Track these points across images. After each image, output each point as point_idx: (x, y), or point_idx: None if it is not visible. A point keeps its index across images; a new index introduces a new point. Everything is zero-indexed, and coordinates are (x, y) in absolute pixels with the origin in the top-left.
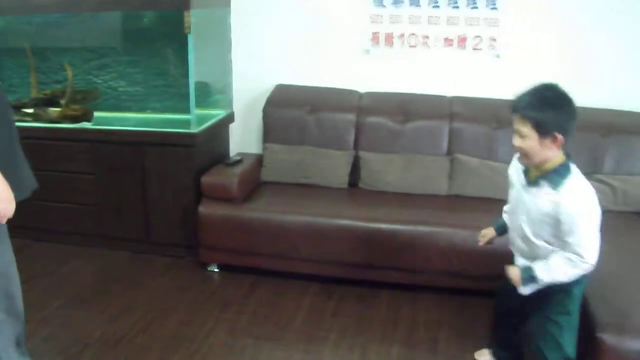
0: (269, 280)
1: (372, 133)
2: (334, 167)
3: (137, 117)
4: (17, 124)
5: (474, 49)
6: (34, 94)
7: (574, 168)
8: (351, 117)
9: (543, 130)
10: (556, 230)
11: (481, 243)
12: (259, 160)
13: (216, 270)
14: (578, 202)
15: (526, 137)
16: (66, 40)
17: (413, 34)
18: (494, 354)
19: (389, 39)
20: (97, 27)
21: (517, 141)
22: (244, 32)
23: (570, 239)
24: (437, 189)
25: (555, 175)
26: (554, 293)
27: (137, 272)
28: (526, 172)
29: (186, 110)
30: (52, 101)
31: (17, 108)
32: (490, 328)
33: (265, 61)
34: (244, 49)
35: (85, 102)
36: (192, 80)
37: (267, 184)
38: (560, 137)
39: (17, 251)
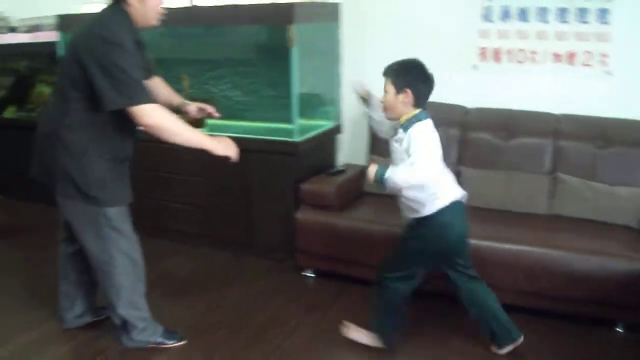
0: (359, 289)
1: (475, 149)
2: None
3: (247, 125)
4: (139, 128)
5: (584, 64)
6: None
7: (426, 119)
8: (455, 132)
9: (398, 86)
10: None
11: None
12: (362, 171)
13: (311, 275)
14: (418, 133)
15: (386, 93)
16: (186, 52)
17: (521, 50)
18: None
19: (497, 54)
20: (215, 40)
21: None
22: (354, 46)
23: (411, 157)
24: (537, 207)
25: (407, 123)
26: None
27: (235, 272)
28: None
29: (291, 120)
30: (170, 109)
31: None
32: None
33: (374, 75)
34: (353, 62)
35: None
36: (294, 92)
37: (368, 194)
38: (410, 92)
39: None
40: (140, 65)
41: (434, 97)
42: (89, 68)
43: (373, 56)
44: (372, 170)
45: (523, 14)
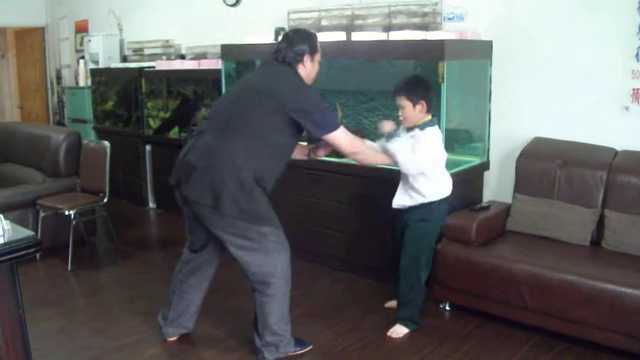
0: (494, 325)
1: (622, 192)
2: (577, 223)
3: None
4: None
5: None
6: None
7: (436, 125)
8: (602, 174)
9: (413, 100)
10: None
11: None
12: (507, 209)
13: (448, 308)
14: (430, 132)
15: (403, 108)
16: (342, 83)
17: None
18: None
19: None
20: (369, 73)
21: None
22: (504, 84)
23: (416, 145)
24: None
25: (424, 125)
26: None
27: (375, 298)
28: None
29: None
30: None
31: None
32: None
33: (524, 113)
34: (503, 99)
35: None
36: (443, 127)
37: (511, 233)
38: (424, 102)
39: None
40: None
41: (584, 137)
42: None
43: (521, 94)
44: (390, 125)
45: None
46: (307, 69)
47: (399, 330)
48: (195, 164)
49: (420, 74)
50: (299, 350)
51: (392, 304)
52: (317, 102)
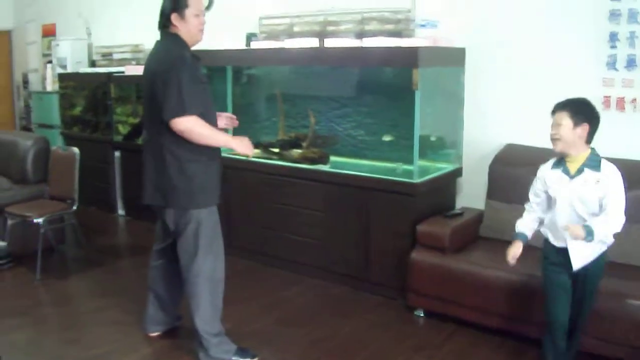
0: (469, 332)
1: None
2: None
3: (368, 164)
4: (265, 161)
5: None
6: (280, 135)
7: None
8: None
9: (576, 120)
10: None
11: (513, 262)
12: (480, 215)
13: (421, 315)
14: (615, 174)
15: (561, 126)
16: (314, 90)
17: None
18: None
19: (621, 103)
20: (342, 80)
21: (553, 129)
22: (477, 90)
23: (611, 206)
24: None
25: (591, 162)
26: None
27: (348, 305)
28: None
29: (412, 161)
30: (295, 143)
31: (266, 147)
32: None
33: (497, 120)
34: (476, 107)
35: (324, 146)
36: (416, 134)
37: (484, 239)
38: (587, 126)
39: (250, 273)
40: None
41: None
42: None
43: (494, 101)
44: (578, 231)
45: None
46: (183, 29)
47: None
48: None
49: (590, 101)
50: None
51: None
52: (177, 77)
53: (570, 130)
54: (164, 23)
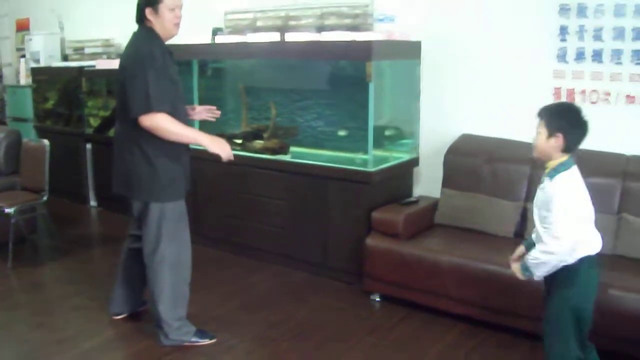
0: (421, 314)
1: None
2: (502, 217)
3: (327, 154)
4: None
5: None
6: (243, 127)
7: (572, 167)
8: (526, 169)
9: (550, 130)
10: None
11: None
12: (435, 203)
13: (378, 299)
14: (561, 189)
15: (539, 134)
16: (277, 82)
17: (594, 91)
18: None
19: (571, 94)
20: (303, 73)
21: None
22: (433, 82)
23: (551, 228)
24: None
25: (553, 172)
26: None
27: (307, 290)
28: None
29: (367, 150)
30: (257, 134)
31: (230, 138)
32: None
33: (452, 111)
34: (432, 98)
35: (285, 137)
36: (371, 124)
37: (438, 226)
38: (561, 137)
39: (215, 261)
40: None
41: (509, 134)
42: None
43: (450, 92)
44: (517, 269)
45: (597, 56)
46: (157, 24)
47: None
48: None
49: (576, 106)
50: (199, 342)
51: None
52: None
53: (544, 140)
54: (140, 17)
